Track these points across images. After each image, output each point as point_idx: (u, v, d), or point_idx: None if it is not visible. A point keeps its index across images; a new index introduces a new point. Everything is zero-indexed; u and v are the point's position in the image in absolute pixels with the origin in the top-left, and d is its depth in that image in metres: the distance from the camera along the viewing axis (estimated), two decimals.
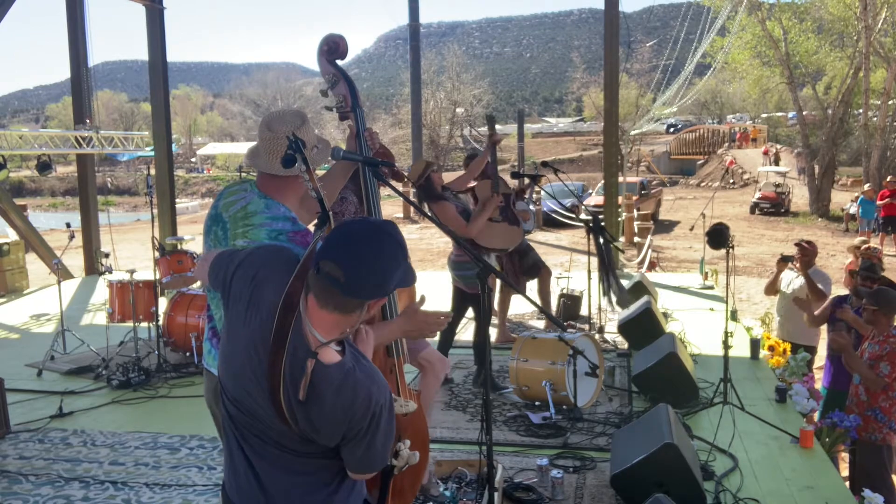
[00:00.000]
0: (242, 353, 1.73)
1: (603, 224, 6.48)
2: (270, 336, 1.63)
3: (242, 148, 62.23)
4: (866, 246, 7.16)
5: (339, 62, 2.79)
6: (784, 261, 6.47)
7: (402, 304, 2.68)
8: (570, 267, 10.57)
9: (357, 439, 1.72)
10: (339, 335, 1.68)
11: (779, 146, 39.88)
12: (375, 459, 1.78)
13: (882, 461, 4.54)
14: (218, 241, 2.45)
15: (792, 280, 6.41)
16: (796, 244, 6.45)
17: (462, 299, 5.51)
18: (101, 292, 9.65)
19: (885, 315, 4.59)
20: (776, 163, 35.17)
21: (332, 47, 2.76)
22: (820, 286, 6.09)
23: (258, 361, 1.69)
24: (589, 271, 6.75)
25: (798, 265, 6.27)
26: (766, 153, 39.04)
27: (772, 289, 6.84)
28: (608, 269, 6.40)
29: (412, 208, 17.82)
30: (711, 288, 9.28)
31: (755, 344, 6.10)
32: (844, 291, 5.85)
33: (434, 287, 10.16)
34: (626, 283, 7.63)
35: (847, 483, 4.66)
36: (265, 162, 2.41)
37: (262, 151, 2.43)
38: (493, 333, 6.84)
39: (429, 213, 2.83)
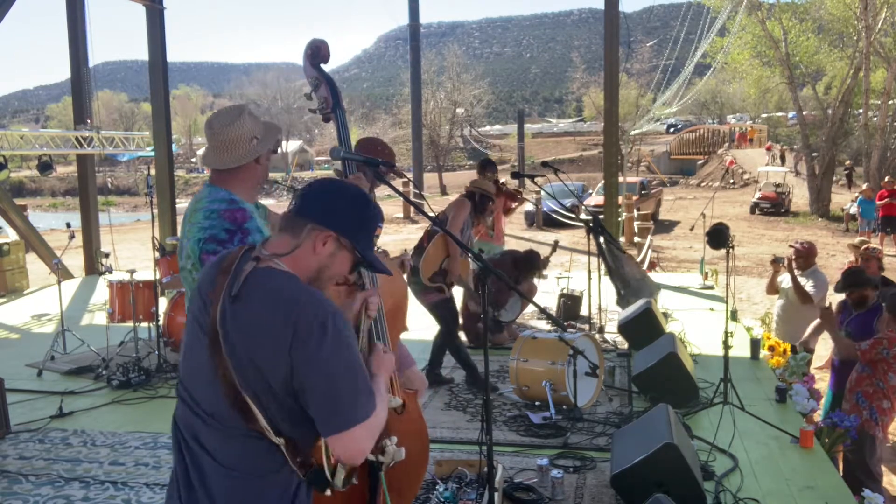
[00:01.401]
0: (189, 338, 1.77)
1: (602, 224, 6.48)
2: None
3: None
4: (866, 246, 7.16)
5: (322, 66, 2.84)
6: (776, 262, 6.48)
7: (387, 306, 2.67)
8: (570, 267, 10.57)
9: (307, 368, 1.59)
10: (287, 251, 1.73)
11: (780, 146, 39.98)
12: (343, 407, 1.61)
13: (863, 450, 4.54)
14: (184, 237, 2.60)
15: (790, 279, 6.42)
16: (791, 245, 6.47)
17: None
18: (102, 292, 9.65)
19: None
20: (782, 159, 35.24)
21: (315, 51, 2.85)
22: (809, 288, 6.11)
23: (200, 326, 1.71)
24: (589, 271, 6.75)
25: (787, 266, 6.29)
26: (769, 149, 39.21)
27: (772, 288, 6.85)
28: (616, 265, 6.44)
29: (412, 208, 17.83)
30: (711, 288, 9.28)
31: (755, 344, 6.10)
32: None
33: None
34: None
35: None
36: (213, 159, 2.57)
37: (209, 150, 2.61)
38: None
39: (430, 214, 2.83)
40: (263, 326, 1.62)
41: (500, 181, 7.30)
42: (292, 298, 1.64)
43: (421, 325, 7.53)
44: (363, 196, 1.83)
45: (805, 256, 6.32)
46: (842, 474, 4.44)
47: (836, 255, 15.60)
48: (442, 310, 5.58)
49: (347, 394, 1.62)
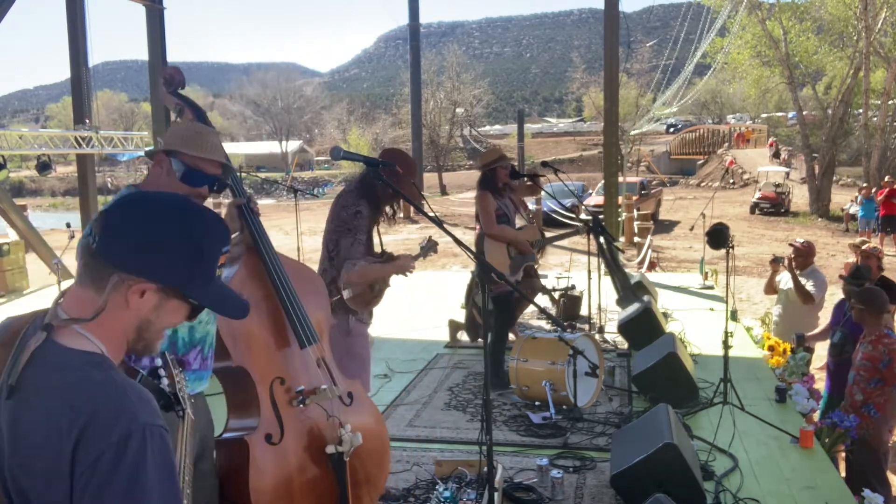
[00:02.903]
0: None
1: (602, 223, 6.48)
2: None
3: (242, 148, 62.28)
4: (867, 246, 7.16)
5: (180, 91, 2.85)
6: (775, 261, 6.49)
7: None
8: (570, 267, 10.57)
9: (93, 490, 1.14)
10: (88, 314, 1.27)
11: (787, 151, 40.10)
12: None
13: (879, 460, 4.55)
14: None
15: (789, 280, 6.42)
16: (790, 244, 6.48)
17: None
18: None
19: (870, 314, 4.63)
20: (779, 158, 35.32)
21: (169, 79, 2.83)
22: (809, 288, 6.12)
23: None
24: (589, 271, 6.75)
25: (787, 266, 6.29)
26: (771, 145, 39.36)
27: (770, 288, 6.86)
28: (613, 267, 6.43)
29: (412, 208, 17.80)
30: (711, 288, 9.27)
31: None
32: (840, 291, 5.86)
33: (434, 287, 10.17)
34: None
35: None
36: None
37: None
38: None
39: (430, 214, 2.82)
40: (38, 438, 1.18)
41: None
42: (86, 388, 1.20)
43: (421, 325, 7.55)
44: (191, 214, 1.34)
45: (804, 256, 6.33)
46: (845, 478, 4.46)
47: (836, 255, 15.60)
48: (503, 302, 5.53)
49: None
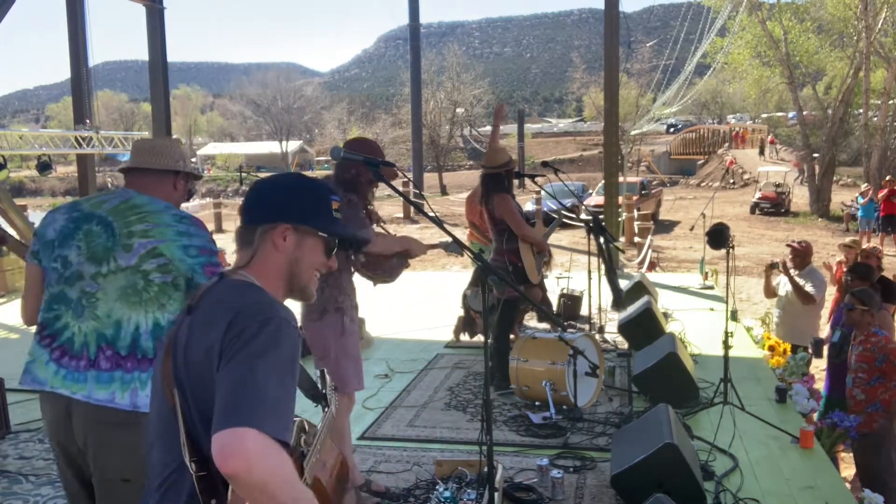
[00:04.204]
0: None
1: (603, 223, 6.48)
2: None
3: (242, 148, 62.31)
4: (867, 246, 7.18)
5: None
6: (771, 267, 6.50)
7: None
8: (570, 267, 10.57)
9: (229, 358, 1.40)
10: (244, 261, 1.65)
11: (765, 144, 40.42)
12: (246, 403, 1.34)
13: (889, 457, 4.55)
14: (93, 237, 2.47)
15: (787, 282, 6.44)
16: (788, 245, 6.49)
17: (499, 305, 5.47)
18: None
19: (871, 314, 4.67)
20: (763, 154, 35.54)
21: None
22: (809, 289, 6.12)
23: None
24: (589, 271, 6.75)
25: (783, 269, 6.32)
26: (772, 142, 39.48)
27: (769, 292, 6.87)
28: (609, 271, 6.42)
29: (412, 208, 17.84)
30: (711, 288, 9.28)
31: None
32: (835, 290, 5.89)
33: (434, 287, 10.17)
34: (625, 283, 7.63)
35: (849, 483, 4.67)
36: (143, 159, 2.64)
37: (137, 153, 2.68)
38: None
39: (430, 214, 2.82)
40: (205, 325, 1.50)
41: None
42: (241, 295, 1.55)
43: (421, 326, 7.55)
44: (297, 178, 1.76)
45: (802, 256, 6.35)
46: (859, 479, 4.48)
47: (836, 255, 15.57)
48: (510, 304, 5.49)
49: (258, 397, 1.35)
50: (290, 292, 1.69)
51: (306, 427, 1.83)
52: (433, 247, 3.86)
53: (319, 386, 2.17)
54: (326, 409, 2.13)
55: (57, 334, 2.48)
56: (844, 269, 7.35)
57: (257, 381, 1.37)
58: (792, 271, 6.38)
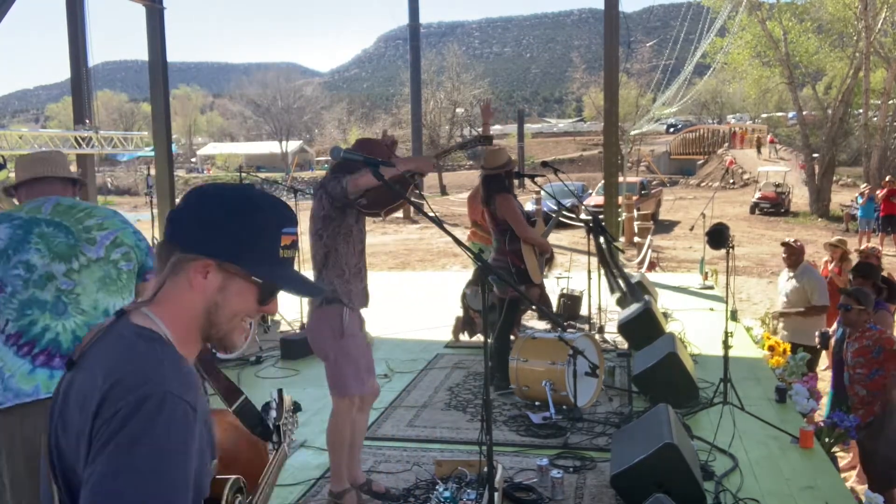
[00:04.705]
0: None
1: (603, 223, 6.48)
2: None
3: (242, 148, 62.32)
4: (865, 246, 7.20)
5: None
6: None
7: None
8: (570, 267, 10.57)
9: (97, 453, 1.12)
10: (153, 295, 1.30)
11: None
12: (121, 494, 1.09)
13: (891, 442, 4.56)
14: (50, 238, 2.52)
15: (787, 283, 6.45)
16: (783, 244, 6.52)
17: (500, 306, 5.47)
18: None
19: (867, 313, 4.71)
20: (760, 153, 35.62)
21: None
22: (816, 298, 6.19)
23: None
24: (589, 271, 6.75)
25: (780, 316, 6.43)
26: (772, 141, 39.55)
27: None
28: (612, 267, 6.43)
29: (412, 208, 17.80)
30: (711, 288, 9.28)
31: None
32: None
33: (434, 287, 10.16)
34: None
35: (849, 482, 4.68)
36: (41, 168, 2.72)
37: (32, 163, 2.73)
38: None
39: (430, 214, 2.82)
40: (82, 396, 1.20)
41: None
42: (127, 355, 1.21)
43: (421, 325, 7.56)
44: (247, 197, 1.33)
45: (797, 254, 6.39)
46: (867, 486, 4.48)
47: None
48: (512, 304, 5.49)
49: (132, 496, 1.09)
50: (204, 340, 1.34)
51: (243, 485, 1.54)
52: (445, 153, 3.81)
53: (272, 413, 1.80)
54: (278, 446, 1.81)
55: (36, 340, 2.45)
56: (830, 268, 7.40)
57: (121, 492, 1.09)
58: (786, 271, 6.44)
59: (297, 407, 1.93)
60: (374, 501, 3.74)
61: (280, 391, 1.85)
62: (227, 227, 1.28)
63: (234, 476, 1.49)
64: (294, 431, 1.90)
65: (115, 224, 2.60)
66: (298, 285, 1.40)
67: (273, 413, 1.80)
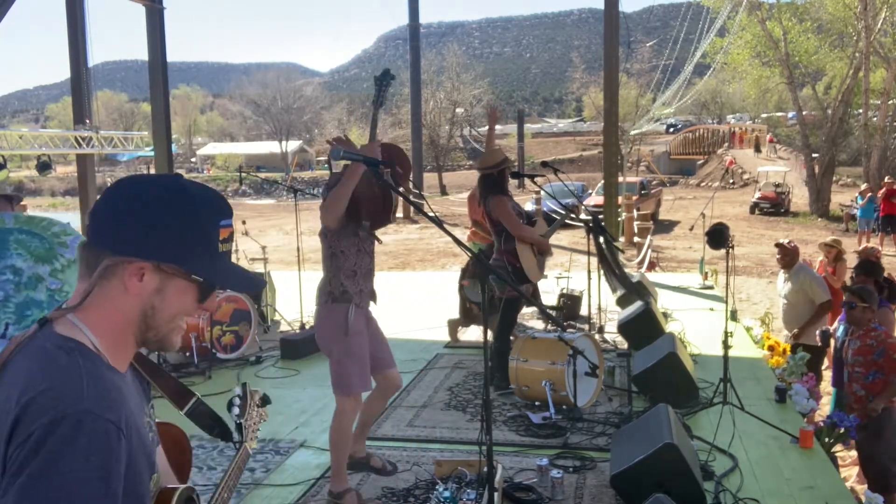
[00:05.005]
0: None
1: (603, 223, 6.48)
2: None
3: (242, 148, 62.28)
4: (864, 246, 7.20)
5: None
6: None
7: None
8: (570, 267, 10.57)
9: (14, 470, 1.04)
10: (80, 301, 1.20)
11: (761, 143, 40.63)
12: None
13: (891, 443, 4.56)
14: (27, 243, 2.65)
15: (784, 285, 6.45)
16: (776, 244, 6.52)
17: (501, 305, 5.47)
18: None
19: (871, 310, 4.71)
20: (760, 152, 35.67)
21: None
22: (819, 294, 6.16)
23: None
24: (589, 271, 6.75)
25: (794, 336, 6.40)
26: (771, 141, 39.61)
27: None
28: (613, 266, 6.43)
29: (412, 208, 17.82)
30: (711, 288, 9.28)
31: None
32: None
33: (434, 287, 10.16)
34: None
35: (849, 483, 4.68)
36: None
37: None
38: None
39: (430, 214, 2.82)
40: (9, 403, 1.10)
41: None
42: (45, 371, 1.11)
43: (421, 326, 7.55)
44: (179, 191, 1.23)
45: (791, 255, 6.39)
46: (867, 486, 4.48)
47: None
48: (512, 304, 5.51)
49: None
50: (140, 345, 1.27)
51: (196, 496, 1.44)
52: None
53: (235, 410, 1.71)
54: (239, 445, 1.69)
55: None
56: (825, 268, 7.40)
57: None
58: (782, 273, 6.45)
59: (265, 400, 1.82)
60: (375, 502, 3.74)
61: (245, 385, 1.75)
62: (161, 225, 1.19)
63: (182, 486, 1.39)
64: (260, 426, 1.78)
65: (75, 231, 2.80)
66: (239, 279, 1.33)
67: (236, 410, 1.71)
